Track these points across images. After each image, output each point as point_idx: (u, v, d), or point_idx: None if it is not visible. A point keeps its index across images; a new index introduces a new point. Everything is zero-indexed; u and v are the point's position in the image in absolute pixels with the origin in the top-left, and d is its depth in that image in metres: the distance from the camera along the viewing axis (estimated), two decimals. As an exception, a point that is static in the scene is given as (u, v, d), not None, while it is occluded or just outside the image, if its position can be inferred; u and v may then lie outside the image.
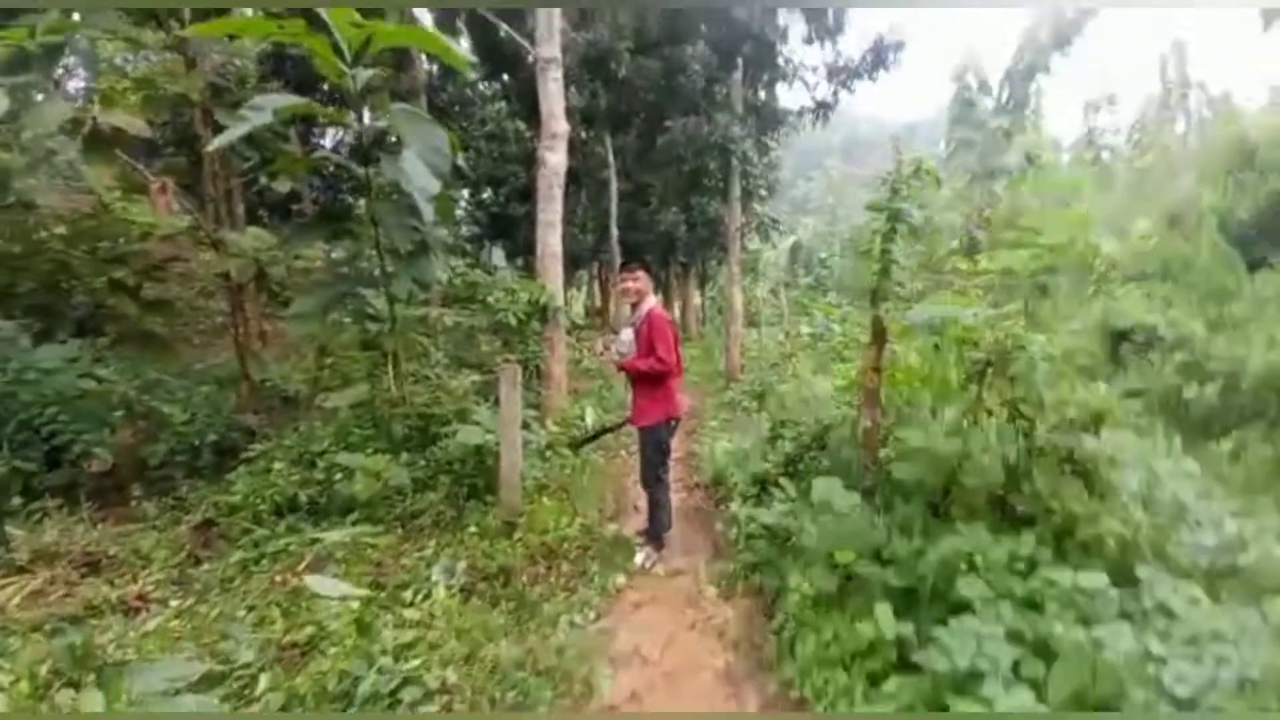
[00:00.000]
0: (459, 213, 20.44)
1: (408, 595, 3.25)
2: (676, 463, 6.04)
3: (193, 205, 6.85)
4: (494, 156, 18.43)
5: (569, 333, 9.41)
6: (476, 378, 6.44)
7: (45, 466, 4.75)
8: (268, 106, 3.38)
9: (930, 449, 2.83)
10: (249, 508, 4.39)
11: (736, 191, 12.17)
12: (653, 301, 3.99)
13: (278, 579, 3.68)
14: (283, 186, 5.93)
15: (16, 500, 4.28)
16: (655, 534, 4.01)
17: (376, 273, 4.43)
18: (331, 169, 11.15)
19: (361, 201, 4.69)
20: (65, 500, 4.52)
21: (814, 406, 4.94)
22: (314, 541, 3.99)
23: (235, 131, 3.37)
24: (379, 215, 3.88)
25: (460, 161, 4.43)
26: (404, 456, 4.61)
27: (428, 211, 3.60)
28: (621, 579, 3.66)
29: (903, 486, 3.37)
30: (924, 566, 2.62)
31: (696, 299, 24.89)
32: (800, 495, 3.86)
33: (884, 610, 2.49)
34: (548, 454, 5.76)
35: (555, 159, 7.18)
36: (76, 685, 2.55)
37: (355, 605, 2.87)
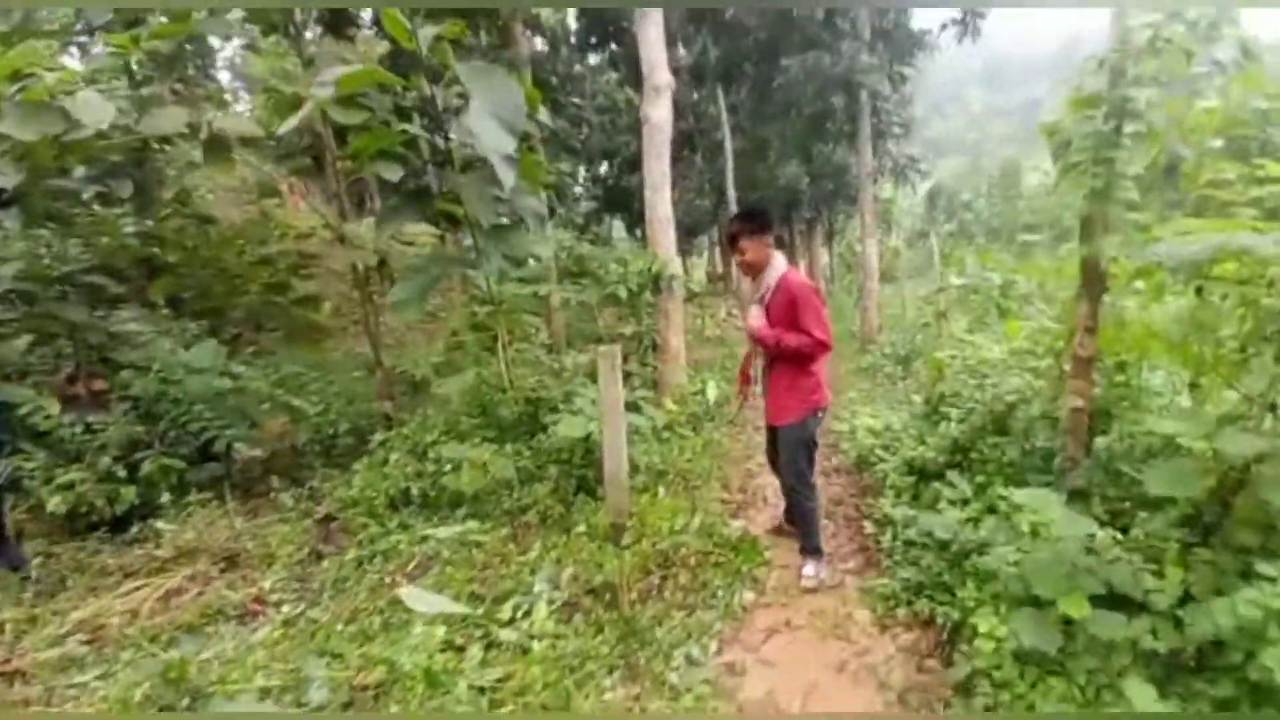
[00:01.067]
0: (578, 189, 20.33)
1: (506, 611, 2.84)
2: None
3: (322, 203, 7.00)
4: (605, 129, 18.00)
5: (688, 301, 8.76)
6: (590, 356, 6.01)
7: (198, 461, 4.93)
8: (330, 80, 3.00)
9: (1201, 446, 1.87)
10: (366, 501, 4.25)
11: (867, 131, 10.71)
12: (782, 265, 3.05)
13: (387, 580, 3.46)
14: (392, 174, 5.70)
15: (166, 497, 4.42)
16: (813, 545, 3.18)
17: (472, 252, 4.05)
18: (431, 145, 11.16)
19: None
20: (214, 494, 4.65)
21: (982, 376, 3.92)
22: (423, 539, 3.73)
23: (301, 113, 3.03)
24: (458, 188, 3.44)
25: (543, 121, 3.88)
26: (510, 446, 4.26)
27: (507, 177, 3.07)
28: (749, 595, 3.01)
29: (1133, 491, 2.40)
30: (1200, 623, 1.71)
31: (824, 256, 23.13)
32: (976, 494, 2.97)
33: (1142, 692, 1.64)
34: (665, 435, 5.21)
35: (659, 114, 6.46)
36: (173, 709, 2.38)
37: (442, 632, 2.49)
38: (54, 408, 4.53)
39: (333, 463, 5.39)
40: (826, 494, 4.24)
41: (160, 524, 4.20)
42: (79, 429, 4.57)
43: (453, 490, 4.05)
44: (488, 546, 3.55)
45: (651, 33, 6.44)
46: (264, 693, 2.36)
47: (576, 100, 16.18)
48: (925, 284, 11.26)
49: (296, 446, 5.66)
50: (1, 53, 3.63)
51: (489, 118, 2.94)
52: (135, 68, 5.33)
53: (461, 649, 2.54)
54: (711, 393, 6.18)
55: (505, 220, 3.99)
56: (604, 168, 20.36)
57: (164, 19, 4.66)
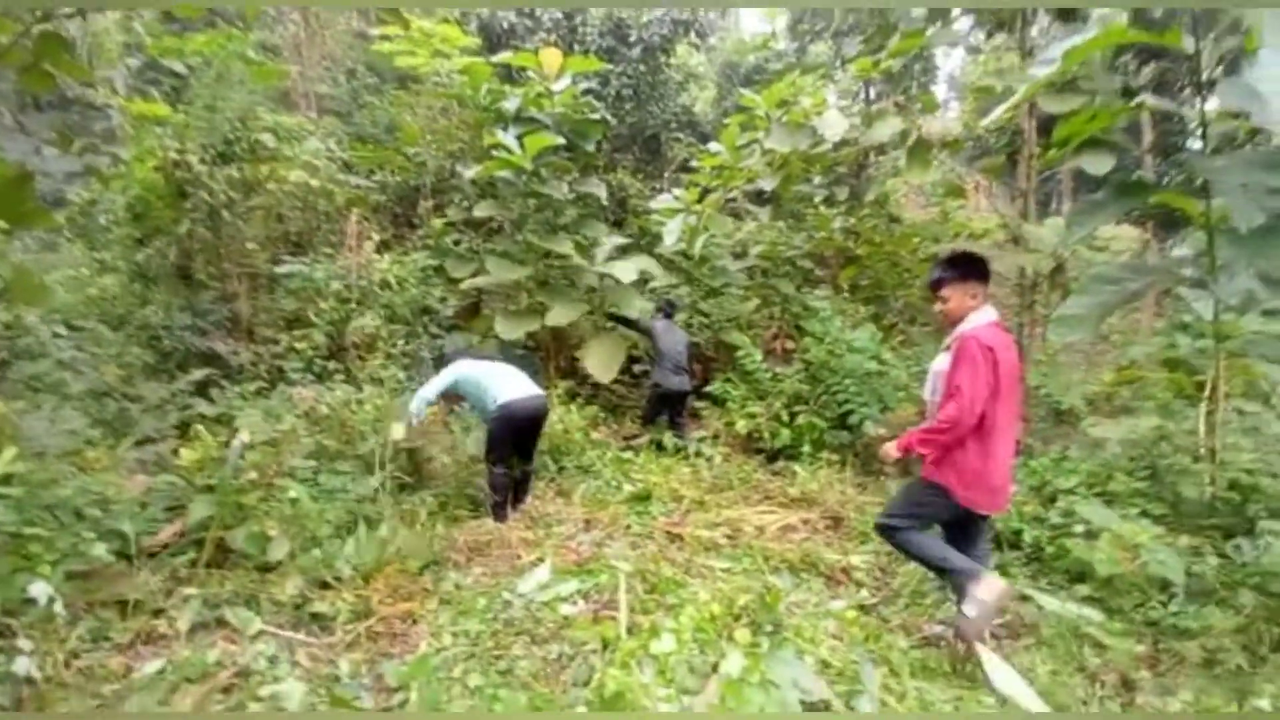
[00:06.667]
0: None
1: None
2: None
3: (1005, 203, 6.47)
4: None
5: None
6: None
7: (835, 427, 5.47)
8: (1053, 56, 2.52)
9: None
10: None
11: None
12: (979, 319, 2.45)
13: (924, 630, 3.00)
14: (1102, 166, 4.65)
15: (806, 448, 5.09)
16: None
17: (1201, 265, 2.84)
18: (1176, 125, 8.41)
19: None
20: (839, 459, 5.10)
21: None
22: (1023, 598, 3.04)
23: (1010, 102, 2.67)
24: (1209, 175, 2.39)
25: None
26: (1186, 539, 2.93)
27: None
28: None
29: None
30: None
31: None
32: None
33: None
34: None
35: None
36: (756, 629, 2.71)
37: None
38: (758, 355, 5.85)
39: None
40: None
41: (797, 467, 4.89)
42: (768, 375, 5.77)
43: (1076, 558, 3.13)
44: (1110, 655, 2.58)
45: None
46: (824, 665, 2.39)
47: None
48: None
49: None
50: (775, 85, 4.63)
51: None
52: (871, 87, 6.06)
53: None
54: None
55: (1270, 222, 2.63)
56: None
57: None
